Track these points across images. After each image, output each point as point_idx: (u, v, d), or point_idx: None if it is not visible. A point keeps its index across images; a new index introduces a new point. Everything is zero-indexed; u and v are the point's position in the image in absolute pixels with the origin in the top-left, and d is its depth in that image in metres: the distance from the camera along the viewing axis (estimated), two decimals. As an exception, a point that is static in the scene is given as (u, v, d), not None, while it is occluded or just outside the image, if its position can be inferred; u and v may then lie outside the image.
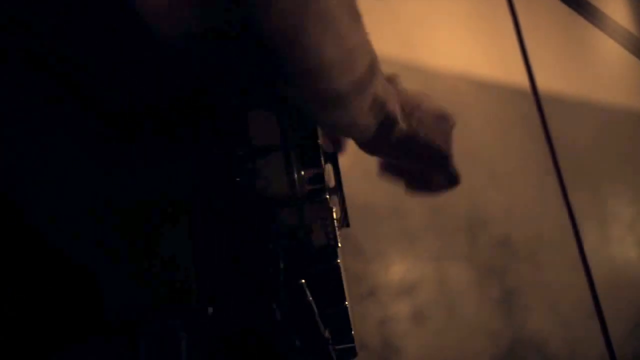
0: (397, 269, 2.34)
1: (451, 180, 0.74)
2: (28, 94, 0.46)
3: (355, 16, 0.57)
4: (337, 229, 0.61)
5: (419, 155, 0.67)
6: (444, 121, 0.69)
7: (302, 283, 0.57)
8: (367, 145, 0.65)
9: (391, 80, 0.66)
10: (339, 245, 0.60)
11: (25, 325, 0.43)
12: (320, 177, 0.60)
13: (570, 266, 2.58)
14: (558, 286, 2.79)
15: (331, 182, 0.69)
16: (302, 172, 0.59)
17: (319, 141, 0.61)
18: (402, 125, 0.64)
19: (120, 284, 0.46)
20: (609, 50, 3.40)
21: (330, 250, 0.60)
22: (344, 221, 0.70)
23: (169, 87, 0.52)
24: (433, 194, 0.76)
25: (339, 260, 0.60)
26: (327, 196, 0.60)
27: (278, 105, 0.57)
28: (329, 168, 0.69)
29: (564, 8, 0.57)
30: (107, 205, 0.47)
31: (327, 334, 0.59)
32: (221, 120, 0.56)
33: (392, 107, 0.61)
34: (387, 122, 0.62)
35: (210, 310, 0.49)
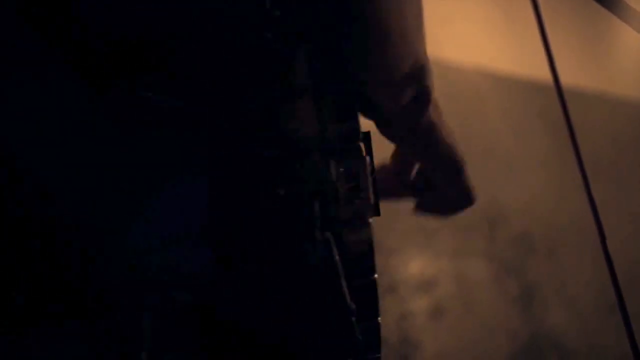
0: (415, 265, 2.33)
1: (466, 197, 0.70)
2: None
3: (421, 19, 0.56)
4: (371, 189, 0.53)
5: (435, 154, 0.64)
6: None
7: (329, 236, 0.49)
8: (392, 123, 0.60)
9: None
10: (372, 203, 0.53)
11: None
12: (355, 131, 0.52)
13: (591, 261, 2.55)
14: (578, 282, 2.77)
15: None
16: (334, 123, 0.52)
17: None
18: (432, 111, 0.60)
19: (120, 254, 0.40)
20: (633, 43, 3.36)
21: (362, 211, 0.52)
22: (375, 210, 0.59)
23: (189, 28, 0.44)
24: (447, 214, 0.72)
25: (370, 221, 0.52)
26: (362, 146, 0.52)
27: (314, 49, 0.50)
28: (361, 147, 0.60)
29: (588, 1, 0.56)
30: (102, 164, 0.41)
31: (352, 305, 0.51)
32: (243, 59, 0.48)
33: (430, 85, 0.58)
34: (421, 98, 0.58)
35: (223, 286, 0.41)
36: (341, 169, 0.51)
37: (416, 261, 2.34)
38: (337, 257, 0.50)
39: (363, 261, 0.52)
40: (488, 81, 2.82)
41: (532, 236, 2.73)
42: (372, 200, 0.53)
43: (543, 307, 2.68)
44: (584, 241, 2.53)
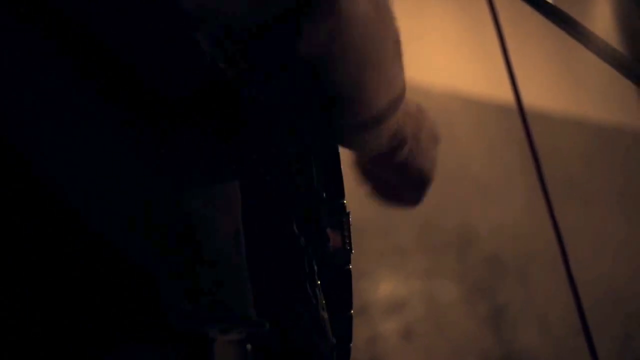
0: (386, 286, 2.33)
1: (417, 201, 0.73)
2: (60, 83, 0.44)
3: (399, 47, 0.57)
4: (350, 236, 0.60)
5: (407, 177, 0.67)
6: (435, 145, 0.69)
7: (318, 284, 0.57)
8: (367, 164, 0.65)
9: (407, 102, 0.66)
10: (352, 251, 0.60)
11: (77, 323, 0.42)
12: (338, 182, 0.59)
13: (558, 283, 2.57)
14: (546, 303, 2.79)
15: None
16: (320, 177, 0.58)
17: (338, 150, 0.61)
18: (406, 149, 0.64)
19: (179, 293, 0.44)
20: (594, 67, 3.43)
21: (344, 254, 0.59)
22: (348, 246, 0.66)
23: (209, 75, 0.49)
24: (396, 207, 0.75)
25: (350, 267, 0.60)
26: (345, 201, 0.59)
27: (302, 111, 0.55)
28: None
29: (550, 25, 0.58)
30: (166, 208, 0.46)
31: (333, 339, 0.58)
32: (255, 117, 0.54)
33: (405, 131, 0.62)
34: (396, 145, 0.62)
35: (267, 324, 0.48)
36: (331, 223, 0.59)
37: (387, 283, 2.34)
38: (323, 302, 0.57)
39: (342, 299, 0.62)
40: (455, 104, 2.86)
41: (502, 258, 2.75)
42: (352, 250, 0.61)
43: (513, 328, 2.69)
44: (552, 262, 2.56)
